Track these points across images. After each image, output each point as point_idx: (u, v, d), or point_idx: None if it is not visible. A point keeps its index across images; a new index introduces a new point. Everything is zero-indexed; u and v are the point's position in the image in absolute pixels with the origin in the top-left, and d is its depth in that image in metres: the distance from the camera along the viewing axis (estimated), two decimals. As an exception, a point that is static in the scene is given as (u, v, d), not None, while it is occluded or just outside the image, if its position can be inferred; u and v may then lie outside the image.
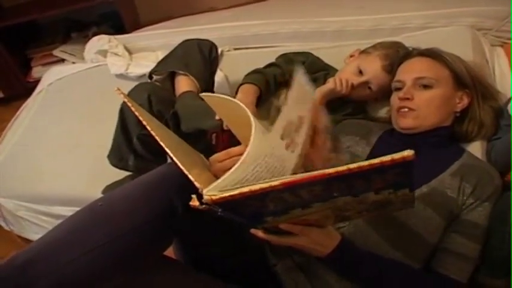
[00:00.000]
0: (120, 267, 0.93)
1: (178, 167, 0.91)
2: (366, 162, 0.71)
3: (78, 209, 0.98)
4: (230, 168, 0.97)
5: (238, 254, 1.20)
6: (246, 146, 1.00)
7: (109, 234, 0.91)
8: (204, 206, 0.83)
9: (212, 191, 0.77)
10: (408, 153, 0.70)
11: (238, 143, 1.05)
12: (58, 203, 1.86)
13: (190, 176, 0.89)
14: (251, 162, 0.84)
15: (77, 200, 1.73)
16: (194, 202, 0.86)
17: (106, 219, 0.94)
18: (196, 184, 0.86)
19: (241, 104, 0.94)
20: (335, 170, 0.72)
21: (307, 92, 1.01)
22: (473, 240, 1.20)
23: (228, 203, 0.78)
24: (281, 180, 0.75)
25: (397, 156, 0.70)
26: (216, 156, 1.03)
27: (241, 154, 0.99)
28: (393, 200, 0.88)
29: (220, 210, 0.82)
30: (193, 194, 0.88)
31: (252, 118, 0.89)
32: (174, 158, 0.92)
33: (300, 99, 0.97)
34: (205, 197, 0.77)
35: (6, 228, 2.06)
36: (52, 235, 0.94)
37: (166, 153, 0.95)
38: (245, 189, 0.75)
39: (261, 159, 0.86)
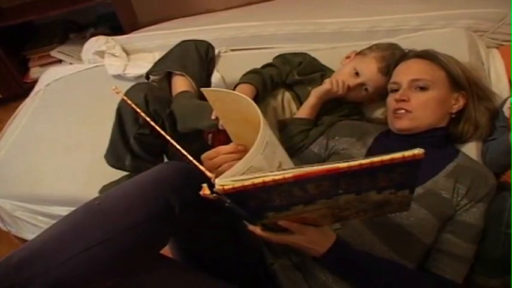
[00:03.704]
0: (116, 266, 0.93)
1: (186, 158, 0.92)
2: (378, 158, 0.73)
3: (74, 209, 0.98)
4: (220, 165, 0.98)
5: (235, 253, 1.20)
6: (238, 144, 1.01)
7: (106, 233, 0.91)
8: (214, 195, 0.83)
9: (224, 181, 0.78)
10: (419, 151, 0.72)
11: None
12: (55, 203, 1.86)
13: (200, 166, 0.90)
14: (257, 151, 0.85)
15: (74, 200, 1.73)
16: (205, 191, 0.87)
17: (103, 218, 0.94)
18: (208, 173, 0.87)
19: (243, 95, 0.95)
20: (347, 164, 0.74)
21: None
22: (467, 241, 1.21)
23: (239, 194, 0.79)
24: (294, 173, 0.76)
25: (408, 153, 0.72)
26: (206, 154, 1.03)
27: (230, 152, 1.00)
28: (392, 200, 0.89)
29: (228, 201, 0.83)
30: (191, 192, 0.89)
31: (258, 109, 0.90)
32: (182, 150, 0.93)
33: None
34: (217, 187, 0.78)
35: (3, 228, 2.06)
36: (48, 234, 0.93)
37: (172, 145, 0.95)
38: (258, 180, 0.76)
39: (263, 146, 0.87)
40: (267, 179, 0.76)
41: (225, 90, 1.03)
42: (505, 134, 1.39)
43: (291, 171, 0.76)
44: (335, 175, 0.76)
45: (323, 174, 0.76)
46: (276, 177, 0.76)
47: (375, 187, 0.83)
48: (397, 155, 0.72)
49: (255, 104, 0.92)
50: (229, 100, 1.00)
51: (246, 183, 0.77)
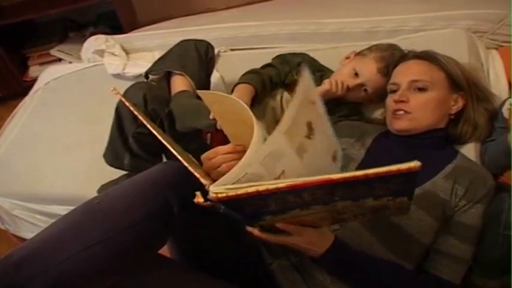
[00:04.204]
0: (116, 265, 0.93)
1: (182, 163, 0.92)
2: (372, 171, 0.73)
3: (73, 207, 0.98)
4: (219, 166, 0.98)
5: (235, 253, 1.20)
6: (236, 145, 1.01)
7: (105, 232, 0.91)
8: (208, 202, 0.83)
9: (218, 189, 0.78)
10: (415, 164, 0.71)
11: None
12: (54, 202, 1.86)
13: (195, 173, 0.90)
14: (253, 159, 0.85)
15: (72, 199, 1.72)
16: (198, 199, 0.87)
17: (102, 217, 0.94)
18: (202, 181, 0.87)
19: (239, 100, 0.95)
20: (341, 176, 0.74)
21: (313, 93, 0.99)
22: (466, 242, 1.21)
23: (233, 201, 0.79)
24: (287, 183, 0.76)
25: (403, 166, 0.71)
26: (206, 154, 1.03)
27: (229, 153, 1.00)
28: (390, 206, 0.89)
29: (223, 207, 0.83)
30: (190, 192, 0.89)
31: (252, 115, 0.89)
32: (177, 155, 0.93)
33: (306, 100, 0.96)
34: (211, 194, 0.78)
35: (1, 227, 2.05)
36: (48, 232, 0.93)
37: (168, 150, 0.95)
38: (251, 189, 0.76)
39: (262, 157, 0.86)
40: (260, 188, 0.76)
41: (222, 93, 1.02)
42: (503, 135, 1.39)
43: (285, 182, 0.76)
44: (329, 185, 0.76)
45: (317, 184, 0.76)
46: (270, 187, 0.76)
47: (371, 195, 0.82)
48: (393, 168, 0.72)
49: (249, 110, 0.91)
50: (226, 102, 1.00)
51: (240, 191, 0.77)
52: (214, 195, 0.77)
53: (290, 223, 0.99)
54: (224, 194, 0.77)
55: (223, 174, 0.85)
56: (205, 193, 0.83)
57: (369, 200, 0.85)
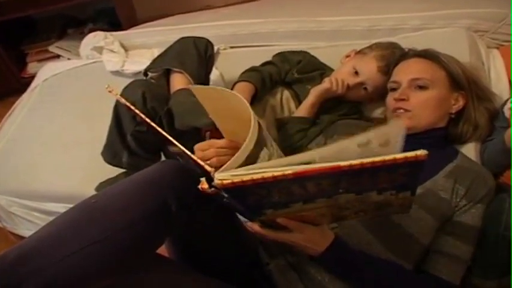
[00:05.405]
0: (113, 265, 0.92)
1: (185, 153, 0.92)
2: (379, 158, 0.72)
3: (71, 205, 0.97)
4: (211, 158, 0.98)
5: (232, 253, 1.20)
6: (230, 141, 1.01)
7: (103, 232, 0.90)
8: (212, 189, 0.83)
9: (223, 175, 0.77)
10: (421, 152, 0.71)
11: None
12: (51, 200, 1.85)
13: (199, 161, 0.89)
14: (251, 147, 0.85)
15: (70, 196, 1.72)
16: (203, 185, 0.87)
17: (100, 216, 0.93)
18: (207, 168, 0.86)
19: (236, 94, 0.94)
20: (348, 163, 0.73)
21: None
22: (465, 242, 1.21)
23: (237, 189, 0.78)
24: (294, 169, 0.75)
25: (410, 154, 0.71)
26: (199, 145, 1.03)
27: (223, 147, 1.00)
28: (393, 202, 0.88)
29: (226, 196, 0.82)
30: (188, 191, 0.89)
31: (249, 107, 0.89)
32: (180, 145, 0.93)
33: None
34: (216, 181, 0.77)
35: (-1, 224, 2.06)
36: (45, 231, 0.93)
37: (169, 142, 0.95)
38: (257, 176, 0.76)
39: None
40: (266, 175, 0.75)
41: (215, 87, 1.02)
42: (501, 134, 1.39)
43: (291, 168, 0.75)
44: (336, 173, 0.75)
45: (324, 172, 0.75)
46: (276, 174, 0.75)
47: (375, 188, 0.82)
48: (399, 155, 0.71)
49: (246, 102, 0.91)
50: (219, 97, 1.00)
51: (245, 178, 0.76)
52: (219, 181, 0.77)
53: (291, 219, 0.98)
54: (229, 181, 0.76)
55: (213, 167, 0.85)
56: (210, 181, 0.83)
57: (372, 193, 0.84)
